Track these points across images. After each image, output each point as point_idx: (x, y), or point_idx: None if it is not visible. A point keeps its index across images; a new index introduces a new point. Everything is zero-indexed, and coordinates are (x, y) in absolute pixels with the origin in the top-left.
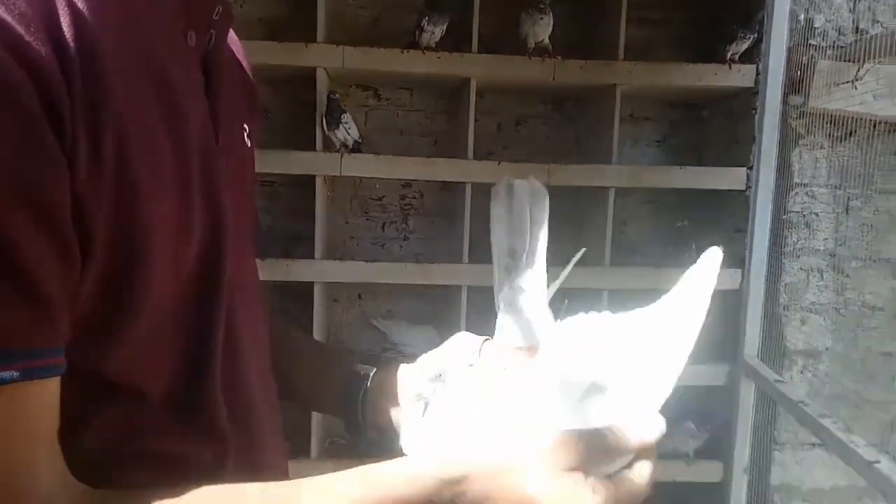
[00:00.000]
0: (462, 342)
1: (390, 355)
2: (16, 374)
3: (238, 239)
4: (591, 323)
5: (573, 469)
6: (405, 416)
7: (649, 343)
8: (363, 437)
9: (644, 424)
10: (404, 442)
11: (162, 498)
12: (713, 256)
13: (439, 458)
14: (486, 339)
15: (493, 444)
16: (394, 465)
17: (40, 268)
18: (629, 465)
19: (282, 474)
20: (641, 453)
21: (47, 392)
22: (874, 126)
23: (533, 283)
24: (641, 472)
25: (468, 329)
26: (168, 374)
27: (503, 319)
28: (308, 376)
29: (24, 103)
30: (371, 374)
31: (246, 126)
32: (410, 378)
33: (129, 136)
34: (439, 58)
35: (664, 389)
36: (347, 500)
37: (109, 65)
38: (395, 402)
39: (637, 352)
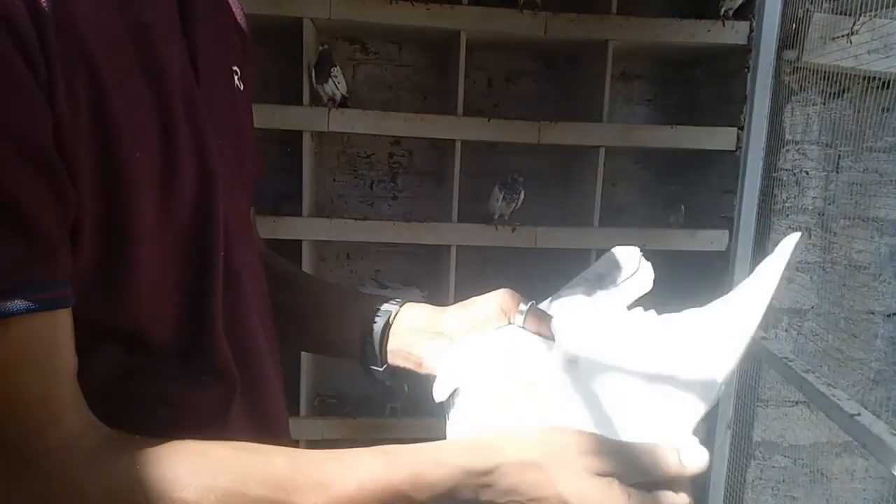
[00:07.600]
0: (509, 301)
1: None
2: (21, 304)
3: (231, 183)
4: (635, 325)
5: (605, 474)
6: (438, 364)
7: (695, 348)
8: (376, 378)
9: (688, 453)
10: (437, 391)
11: (190, 449)
12: (788, 242)
13: (468, 446)
14: (532, 303)
15: (525, 437)
16: (421, 448)
17: (31, 199)
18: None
19: (282, 414)
20: (676, 482)
21: (59, 326)
22: (868, 82)
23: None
24: (676, 501)
25: (456, 288)
26: (170, 318)
27: (563, 304)
28: (328, 315)
29: None
30: (394, 312)
31: (237, 68)
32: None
33: (104, 83)
34: (428, 9)
35: (707, 391)
36: (371, 476)
37: (81, 13)
38: (415, 345)
39: (681, 358)
